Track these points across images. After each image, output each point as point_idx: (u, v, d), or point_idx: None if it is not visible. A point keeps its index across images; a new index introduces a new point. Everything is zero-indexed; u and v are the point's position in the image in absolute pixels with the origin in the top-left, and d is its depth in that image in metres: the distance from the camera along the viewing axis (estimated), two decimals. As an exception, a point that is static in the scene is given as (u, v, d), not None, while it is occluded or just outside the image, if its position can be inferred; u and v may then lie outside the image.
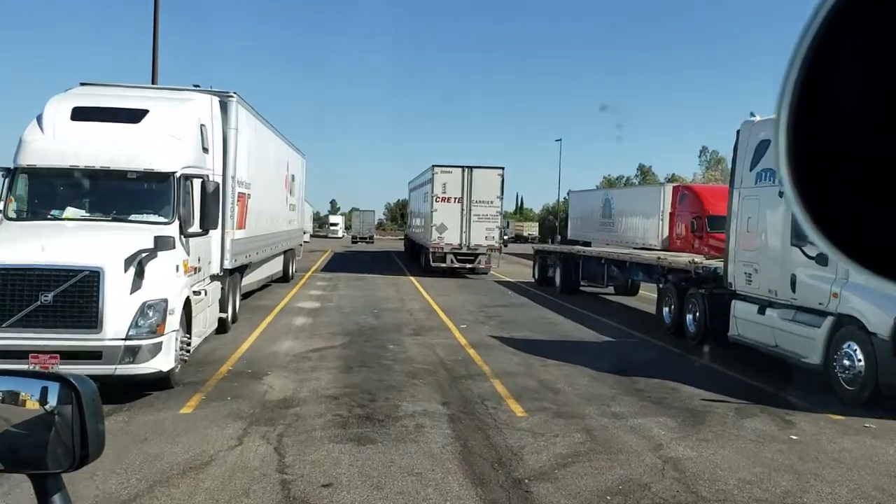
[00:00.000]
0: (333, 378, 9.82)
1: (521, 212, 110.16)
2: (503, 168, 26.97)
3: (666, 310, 15.31)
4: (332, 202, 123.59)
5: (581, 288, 22.33)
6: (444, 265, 26.91)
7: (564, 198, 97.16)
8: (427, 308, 17.86)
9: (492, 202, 26.78)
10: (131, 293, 8.29)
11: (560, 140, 78.97)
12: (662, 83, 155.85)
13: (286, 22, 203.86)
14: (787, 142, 0.66)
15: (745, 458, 7.02)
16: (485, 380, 10.01)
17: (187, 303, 9.30)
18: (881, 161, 0.63)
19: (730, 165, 13.94)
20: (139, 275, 8.42)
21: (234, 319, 13.93)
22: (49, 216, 9.35)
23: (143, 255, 8.46)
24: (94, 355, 7.94)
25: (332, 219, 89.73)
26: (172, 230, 9.25)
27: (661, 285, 16.51)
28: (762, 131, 11.46)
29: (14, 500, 5.08)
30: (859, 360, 9.09)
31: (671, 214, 32.72)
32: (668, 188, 33.67)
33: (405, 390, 9.24)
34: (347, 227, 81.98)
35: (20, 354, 7.70)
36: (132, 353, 8.09)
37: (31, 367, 7.40)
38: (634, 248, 32.33)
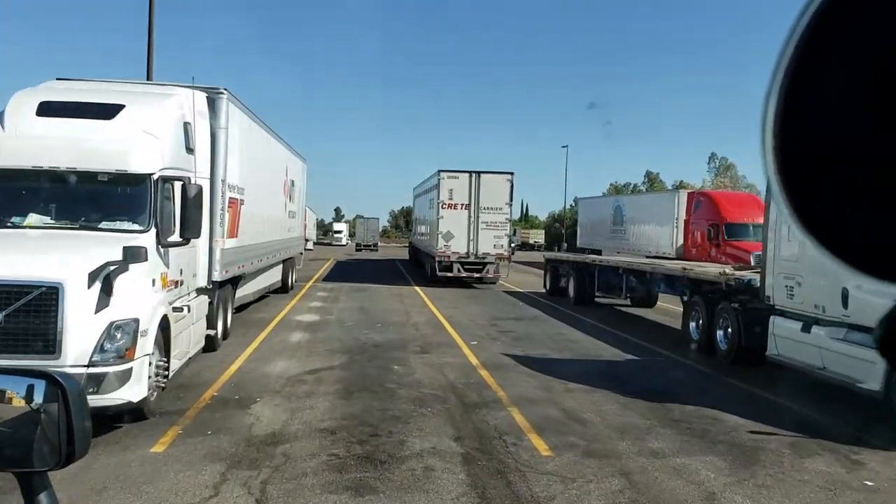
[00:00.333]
0: (330, 406, 8.70)
1: (526, 219, 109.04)
2: (512, 173, 25.86)
3: (693, 325, 14.17)
4: (337, 210, 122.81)
5: (596, 299, 21.19)
6: (450, 274, 25.76)
7: (571, 205, 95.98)
8: (434, 322, 16.73)
9: (500, 209, 25.63)
10: (96, 312, 7.19)
11: (566, 147, 77.83)
12: (669, 88, 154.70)
13: (289, 24, 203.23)
14: (773, 142, 0.66)
15: (821, 514, 5.88)
16: (501, 408, 8.88)
17: (165, 321, 8.20)
18: (867, 161, 0.63)
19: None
20: (106, 291, 7.32)
21: (226, 335, 12.83)
22: (8, 224, 8.25)
23: (112, 268, 7.37)
24: (51, 385, 6.82)
25: (336, 226, 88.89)
26: (148, 239, 8.16)
27: (684, 298, 15.38)
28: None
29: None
30: (932, 388, 7.95)
31: (686, 222, 31.60)
32: (683, 195, 32.55)
33: (412, 422, 8.11)
34: (351, 235, 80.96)
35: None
36: (96, 382, 6.98)
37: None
38: (647, 257, 31.31)
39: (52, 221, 8.35)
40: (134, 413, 7.52)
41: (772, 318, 11.12)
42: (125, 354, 7.18)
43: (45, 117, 8.61)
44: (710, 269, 14.69)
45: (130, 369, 7.21)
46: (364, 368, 11.00)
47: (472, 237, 25.47)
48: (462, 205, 25.53)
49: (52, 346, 6.90)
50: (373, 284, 26.46)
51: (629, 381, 10.78)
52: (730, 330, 12.56)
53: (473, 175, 25.70)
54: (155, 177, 8.45)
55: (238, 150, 12.66)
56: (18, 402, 1.58)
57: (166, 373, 8.27)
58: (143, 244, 7.86)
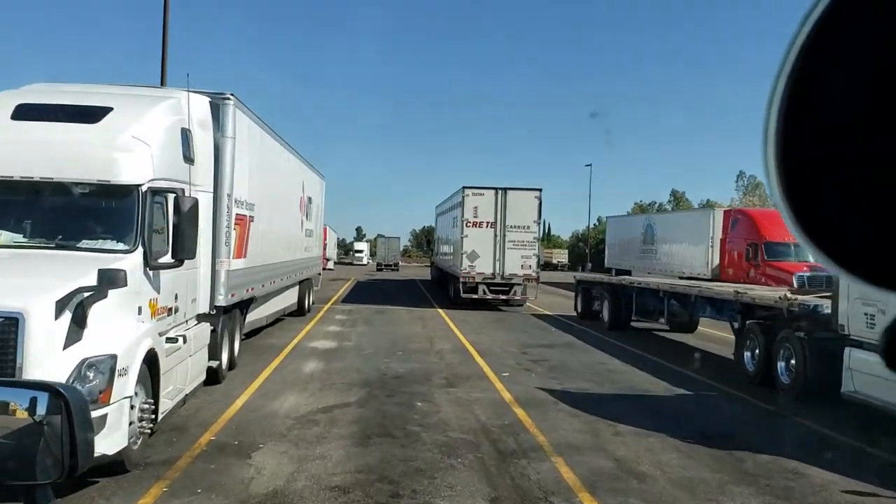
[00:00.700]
0: (344, 455, 7.45)
1: (548, 238, 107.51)
2: (540, 190, 24.56)
3: (748, 354, 12.77)
4: (358, 229, 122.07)
5: (631, 323, 19.83)
6: (475, 296, 24.45)
7: (594, 224, 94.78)
8: (459, 349, 15.45)
9: (528, 227, 24.33)
10: (65, 348, 6.05)
11: (590, 165, 76.55)
12: (693, 105, 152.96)
13: (308, 40, 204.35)
14: (775, 149, 0.67)
15: None
16: (543, 458, 7.58)
17: (152, 356, 7.03)
18: (870, 168, 0.64)
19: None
20: (78, 322, 6.17)
21: (232, 365, 11.67)
22: (-25, 242, 7.15)
23: (86, 295, 6.22)
24: (7, 436, 5.67)
25: (357, 246, 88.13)
26: (133, 261, 7.01)
27: (734, 324, 14.01)
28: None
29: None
30: None
31: (722, 241, 30.12)
32: (719, 213, 31.12)
33: (439, 476, 6.85)
34: (373, 254, 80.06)
35: None
36: (64, 432, 5.79)
37: None
38: (680, 278, 29.83)
39: (25, 240, 7.23)
40: (113, 466, 6.35)
41: (847, 349, 9.75)
42: (98, 398, 6.00)
43: (21, 121, 7.54)
44: (765, 293, 13.31)
45: (105, 416, 6.04)
46: (383, 406, 9.75)
47: (498, 257, 24.19)
48: (487, 223, 24.28)
49: (9, 388, 5.73)
50: (393, 307, 25.24)
51: (685, 422, 9.45)
52: (793, 362, 11.19)
53: (499, 191, 24.46)
54: (143, 188, 7.32)
55: (247, 163, 11.56)
56: (21, 415, 1.58)
57: (153, 416, 7.09)
58: (126, 266, 6.71)
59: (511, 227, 24.17)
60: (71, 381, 5.89)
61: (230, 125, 10.39)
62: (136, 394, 6.63)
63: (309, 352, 14.21)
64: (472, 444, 8.04)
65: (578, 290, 22.95)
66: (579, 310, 22.70)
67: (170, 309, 8.03)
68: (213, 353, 10.16)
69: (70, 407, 1.52)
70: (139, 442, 6.82)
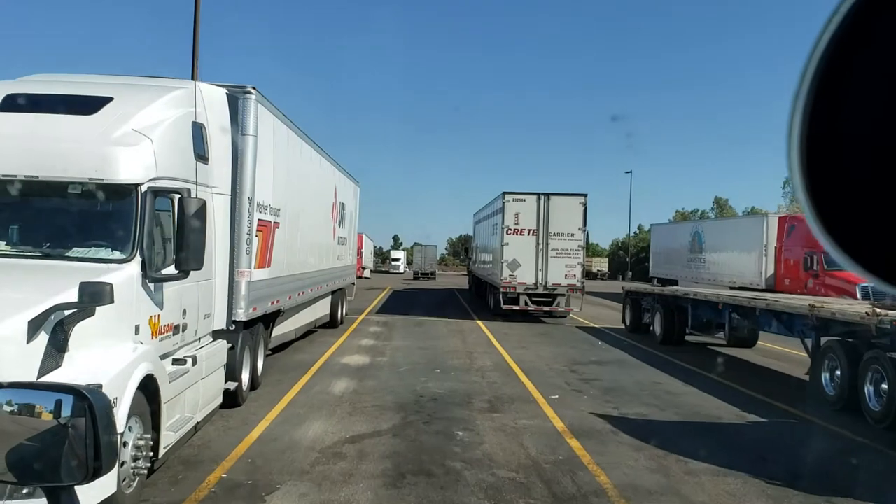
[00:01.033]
0: (373, 499, 6.37)
1: (587, 247, 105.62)
2: (585, 195, 23.22)
3: (826, 376, 11.40)
4: (395, 237, 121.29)
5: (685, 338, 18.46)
6: (516, 308, 23.23)
7: (635, 232, 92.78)
8: (502, 366, 14.28)
9: (572, 234, 23.04)
10: (40, 376, 5.05)
11: (630, 172, 74.70)
12: (736, 111, 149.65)
13: (335, 46, 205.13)
14: (799, 153, 0.68)
15: None
16: (608, 505, 6.40)
17: (149, 383, 6.02)
18: (894, 171, 0.64)
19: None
20: (57, 345, 5.18)
21: (255, 385, 10.68)
22: (-50, 251, 6.23)
23: (66, 313, 5.23)
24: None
25: (394, 254, 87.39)
26: (127, 272, 6.03)
27: (806, 340, 12.63)
28: None
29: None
30: None
31: (777, 249, 28.49)
32: (773, 219, 29.45)
33: (486, 531, 5.71)
34: (409, 263, 79.20)
35: None
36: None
37: None
38: (731, 288, 28.28)
39: (8, 248, 6.29)
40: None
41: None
42: (79, 437, 4.99)
43: (9, 112, 6.63)
44: (847, 308, 11.90)
45: (87, 458, 5.02)
46: (419, 435, 8.64)
47: (540, 266, 22.93)
48: (529, 230, 23.06)
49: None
50: (430, 318, 24.14)
51: (767, 458, 8.18)
52: (884, 386, 9.83)
53: (542, 197, 23.22)
54: (143, 188, 6.35)
55: (271, 164, 10.59)
56: (47, 417, 1.58)
57: (152, 453, 6.08)
58: (118, 278, 5.73)
59: (554, 234, 22.93)
60: (45, 416, 4.89)
61: (251, 121, 9.42)
62: (129, 429, 5.64)
63: (339, 369, 13.16)
64: (523, 485, 6.88)
65: (627, 301, 21.59)
66: (628, 322, 21.35)
67: (176, 327, 7.04)
68: (232, 373, 9.17)
69: (94, 410, 1.55)
70: (134, 484, 5.82)
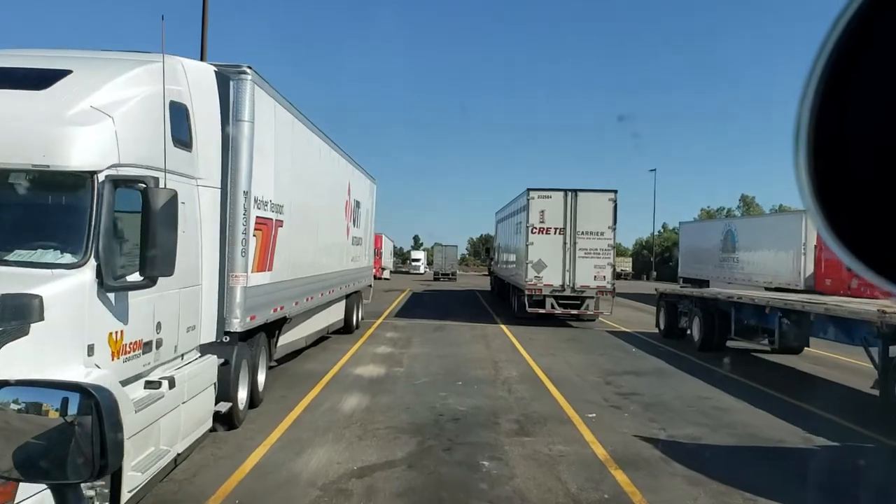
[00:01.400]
0: (382, 557, 5.18)
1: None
2: (615, 191, 21.87)
3: (900, 391, 10.07)
4: (416, 238, 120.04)
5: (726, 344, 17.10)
6: (542, 311, 21.95)
7: (659, 231, 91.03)
8: (529, 376, 13.04)
9: (602, 233, 21.70)
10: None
11: (654, 170, 73.03)
12: (761, 107, 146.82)
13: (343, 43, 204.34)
14: (806, 154, 0.68)
15: None
16: (673, 567, 5.16)
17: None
18: None
19: None
20: (-27, 375, 4.03)
21: (256, 402, 9.56)
22: None
23: (-14, 333, 4.11)
24: None
25: (415, 254, 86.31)
26: (75, 280, 4.89)
27: (870, 349, 11.28)
28: None
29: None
30: None
31: (817, 248, 26.96)
32: (813, 216, 27.84)
33: None
34: (429, 263, 78.09)
35: None
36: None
37: None
38: (767, 289, 26.85)
39: (-62, 250, 5.18)
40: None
41: None
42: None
43: (-53, 89, 5.52)
44: (923, 314, 10.53)
45: (9, 520, 3.90)
46: (439, 466, 7.44)
47: (567, 267, 21.63)
48: (556, 229, 21.76)
49: None
50: (451, 322, 22.93)
51: (850, 494, 6.88)
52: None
53: (569, 193, 21.90)
54: (101, 177, 5.21)
55: (272, 154, 9.46)
56: (53, 415, 1.59)
57: (109, 502, 4.93)
58: (59, 288, 4.60)
59: (582, 233, 21.61)
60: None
61: (247, 105, 8.28)
62: (74, 476, 4.48)
63: (352, 381, 11.99)
64: (565, 536, 5.67)
65: (661, 304, 20.22)
66: (662, 327, 19.99)
67: (147, 344, 5.89)
68: (225, 392, 8.03)
69: (100, 408, 1.54)
70: (86, 541, 4.67)
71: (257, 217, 8.78)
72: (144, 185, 5.27)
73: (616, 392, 11.73)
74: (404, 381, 12.16)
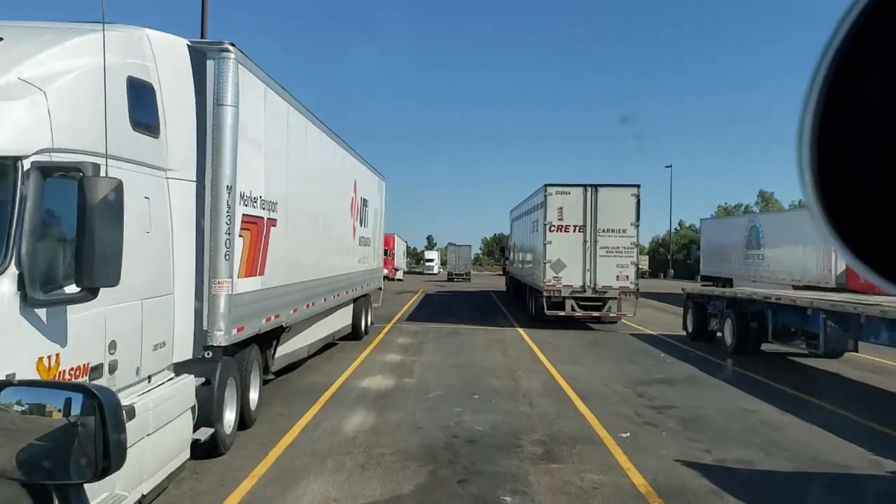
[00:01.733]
0: None
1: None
2: (638, 186, 20.73)
3: (974, 404, 8.88)
4: (429, 238, 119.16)
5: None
6: (561, 313, 20.82)
7: (676, 228, 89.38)
8: (552, 387, 11.93)
9: (624, 231, 20.53)
10: None
11: (670, 167, 71.71)
12: (777, 97, 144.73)
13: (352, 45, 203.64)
14: (810, 154, 0.67)
15: None
16: None
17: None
18: None
19: None
20: None
21: (247, 423, 8.53)
22: None
23: None
24: None
25: (428, 255, 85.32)
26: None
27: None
28: None
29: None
30: None
31: (850, 244, 25.64)
32: (845, 209, 26.57)
33: None
34: (443, 263, 77.07)
35: None
36: None
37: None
38: (794, 287, 25.61)
39: None
40: None
41: None
42: None
43: None
44: None
45: None
46: (453, 502, 6.36)
47: (588, 266, 20.49)
48: (575, 227, 20.62)
49: None
50: (466, 326, 21.84)
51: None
52: None
53: (589, 189, 20.74)
54: (25, 163, 4.18)
55: (262, 145, 8.43)
56: (56, 416, 1.57)
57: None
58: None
59: (604, 230, 20.45)
60: None
61: (229, 87, 7.22)
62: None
63: (357, 395, 10.93)
64: None
65: (689, 305, 19.04)
66: (690, 329, 18.81)
67: (95, 368, 4.84)
68: (206, 416, 6.99)
69: (103, 408, 1.52)
70: None
71: (244, 215, 7.74)
72: (80, 173, 4.23)
73: (649, 405, 10.59)
74: (415, 395, 11.07)
